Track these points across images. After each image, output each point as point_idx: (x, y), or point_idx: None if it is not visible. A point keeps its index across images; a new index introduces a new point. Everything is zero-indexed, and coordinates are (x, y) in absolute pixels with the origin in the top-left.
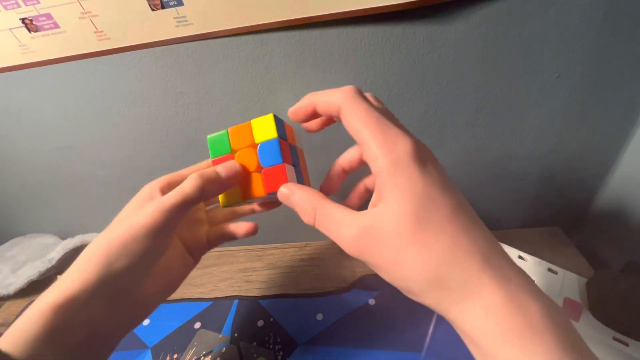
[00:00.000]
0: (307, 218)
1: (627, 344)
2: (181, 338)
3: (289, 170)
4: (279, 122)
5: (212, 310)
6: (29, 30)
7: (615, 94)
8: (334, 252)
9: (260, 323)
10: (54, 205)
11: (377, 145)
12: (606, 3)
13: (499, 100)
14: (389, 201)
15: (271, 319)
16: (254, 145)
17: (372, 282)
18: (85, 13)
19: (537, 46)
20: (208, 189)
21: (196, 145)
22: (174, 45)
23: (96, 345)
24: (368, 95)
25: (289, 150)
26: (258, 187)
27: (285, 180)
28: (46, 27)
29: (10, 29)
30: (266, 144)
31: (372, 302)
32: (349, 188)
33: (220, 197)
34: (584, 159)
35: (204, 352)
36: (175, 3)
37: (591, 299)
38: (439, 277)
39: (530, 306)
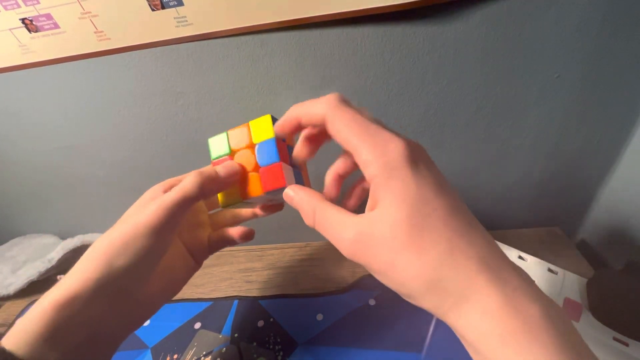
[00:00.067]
0: (307, 219)
1: (627, 344)
2: (181, 338)
3: (286, 169)
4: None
5: (212, 311)
6: (29, 31)
7: (615, 94)
8: (334, 253)
9: (260, 323)
10: (54, 205)
11: (367, 150)
12: (606, 3)
13: (499, 100)
14: (384, 205)
15: (271, 319)
16: (253, 146)
17: (372, 282)
18: (85, 13)
19: (537, 46)
20: (207, 187)
21: (196, 145)
22: (174, 45)
23: (98, 346)
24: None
25: (287, 150)
26: (256, 187)
27: (282, 179)
28: (46, 27)
29: (10, 29)
30: (264, 144)
31: (372, 302)
32: (348, 188)
33: (220, 197)
34: (584, 159)
35: (204, 353)
36: (175, 3)
37: (591, 299)
38: (435, 281)
39: (529, 308)
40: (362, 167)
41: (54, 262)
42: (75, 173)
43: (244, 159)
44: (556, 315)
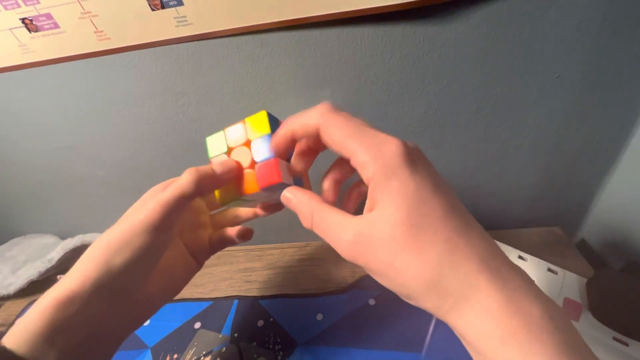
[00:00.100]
0: (305, 222)
1: (627, 344)
2: (181, 338)
3: (282, 165)
4: (273, 120)
5: (212, 310)
6: (29, 30)
7: (615, 94)
8: (334, 253)
9: (260, 323)
10: (54, 205)
11: (364, 152)
12: (606, 3)
13: (499, 100)
14: (382, 206)
15: (271, 319)
16: (249, 143)
17: (372, 282)
18: (85, 13)
19: (537, 46)
20: (203, 183)
21: (196, 145)
22: (174, 45)
23: (98, 345)
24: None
25: None
26: (252, 183)
27: (277, 175)
28: (46, 27)
29: (10, 29)
30: (259, 140)
31: (372, 302)
32: (344, 193)
33: (217, 194)
34: (584, 159)
35: (204, 352)
36: (175, 3)
37: (591, 299)
38: (435, 281)
39: (529, 308)
40: (359, 169)
41: (54, 262)
42: (75, 173)
43: (241, 156)
44: (557, 315)
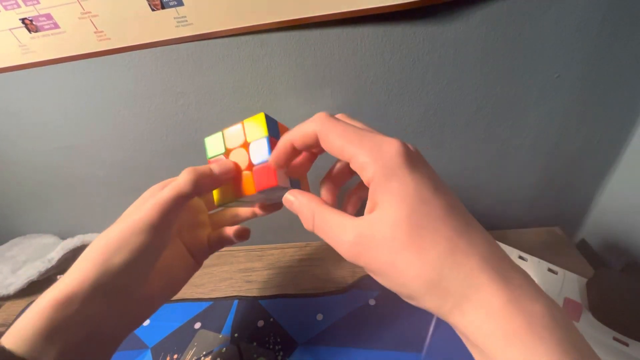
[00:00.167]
0: (306, 224)
1: (627, 344)
2: (181, 338)
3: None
4: (271, 122)
5: (212, 311)
6: (29, 31)
7: (615, 94)
8: (334, 253)
9: (260, 323)
10: (54, 205)
11: (363, 154)
12: (606, 3)
13: (499, 100)
14: (383, 207)
15: (271, 319)
16: (247, 145)
17: (372, 282)
18: (85, 13)
19: (537, 46)
20: (201, 183)
21: (196, 145)
22: (173, 45)
23: (97, 345)
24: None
25: None
26: (249, 185)
27: (274, 178)
28: (46, 27)
29: (10, 29)
30: (257, 143)
31: (372, 302)
32: (344, 197)
33: (215, 195)
34: (584, 159)
35: (204, 353)
36: (175, 3)
37: (591, 299)
38: (437, 281)
39: (531, 307)
40: (359, 171)
41: (54, 262)
42: (75, 173)
43: (239, 157)
44: (558, 314)
